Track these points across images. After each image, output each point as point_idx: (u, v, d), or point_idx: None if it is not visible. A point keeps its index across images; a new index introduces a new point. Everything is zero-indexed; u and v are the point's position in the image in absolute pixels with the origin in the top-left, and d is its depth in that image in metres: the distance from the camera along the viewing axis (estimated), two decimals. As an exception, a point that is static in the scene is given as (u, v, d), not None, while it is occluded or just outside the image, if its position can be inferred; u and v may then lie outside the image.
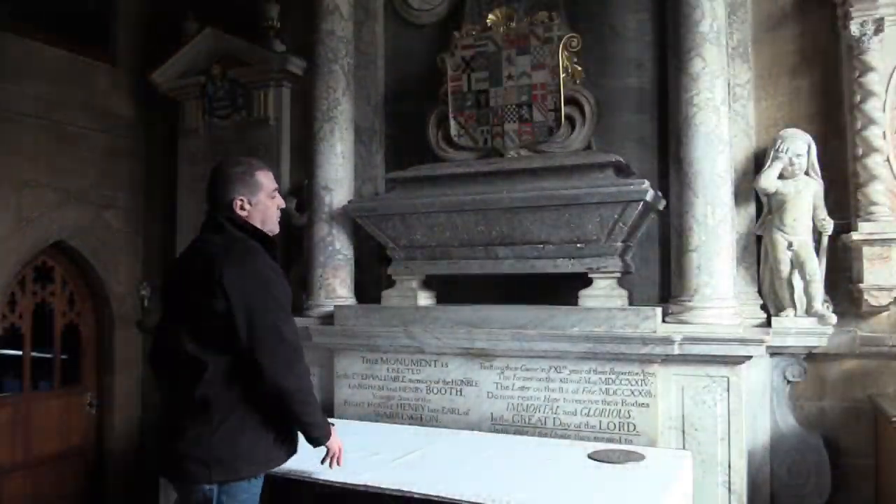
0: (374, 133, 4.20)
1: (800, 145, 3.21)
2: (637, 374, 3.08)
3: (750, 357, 2.98)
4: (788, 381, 3.30)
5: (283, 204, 2.30)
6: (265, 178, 2.23)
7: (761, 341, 2.97)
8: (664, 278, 3.49)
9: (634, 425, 3.07)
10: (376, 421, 3.53)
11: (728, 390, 3.00)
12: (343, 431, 2.41)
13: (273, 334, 2.01)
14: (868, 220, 3.07)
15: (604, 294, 3.30)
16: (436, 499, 2.35)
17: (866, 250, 3.06)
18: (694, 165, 3.19)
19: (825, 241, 3.20)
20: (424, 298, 3.72)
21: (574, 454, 2.84)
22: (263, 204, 2.22)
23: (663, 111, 3.51)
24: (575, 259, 3.34)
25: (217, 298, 1.99)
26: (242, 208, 2.21)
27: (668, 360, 3.05)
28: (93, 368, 4.91)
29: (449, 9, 4.05)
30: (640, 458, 2.75)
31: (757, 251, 3.39)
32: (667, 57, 3.48)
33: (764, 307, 3.34)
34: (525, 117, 3.62)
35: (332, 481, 2.45)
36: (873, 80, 3.08)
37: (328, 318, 3.75)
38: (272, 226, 2.27)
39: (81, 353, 4.86)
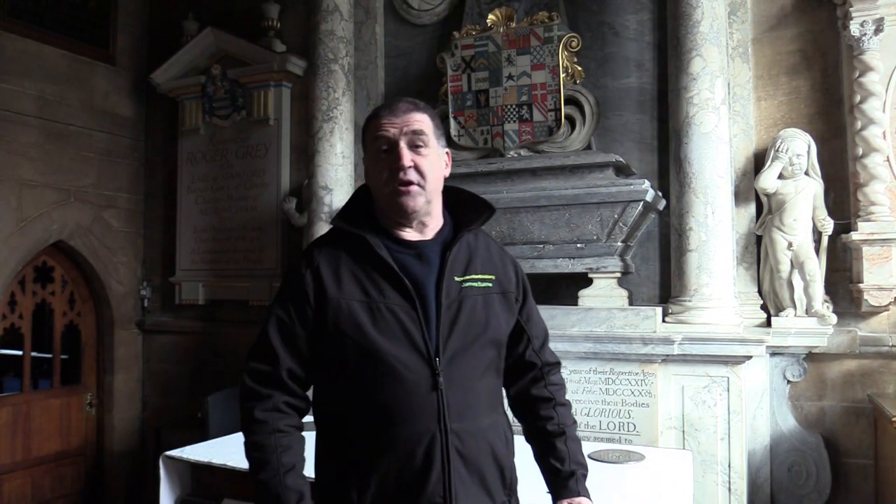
0: (374, 133, 4.19)
1: (800, 145, 3.21)
2: (637, 373, 3.08)
3: (750, 357, 2.98)
4: (788, 381, 3.30)
5: (400, 161, 1.44)
6: (373, 127, 1.49)
7: (761, 341, 2.98)
8: (664, 278, 3.49)
9: (634, 425, 3.07)
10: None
11: (728, 390, 3.00)
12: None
13: None
14: (868, 220, 3.06)
15: (604, 294, 3.30)
16: (436, 499, 2.34)
17: (866, 250, 3.06)
18: (694, 165, 3.19)
19: (825, 241, 3.19)
20: (424, 298, 3.71)
21: (574, 454, 2.84)
22: (369, 165, 1.52)
23: (663, 111, 3.51)
24: (575, 259, 3.34)
25: None
26: (366, 174, 1.57)
27: (668, 359, 3.05)
28: (93, 368, 4.90)
29: (449, 9, 4.05)
30: (640, 458, 2.75)
31: (757, 251, 3.38)
32: (667, 57, 3.48)
33: (764, 307, 3.34)
34: (525, 117, 3.62)
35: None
36: (873, 80, 3.08)
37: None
38: (386, 198, 1.47)
39: (81, 353, 4.85)
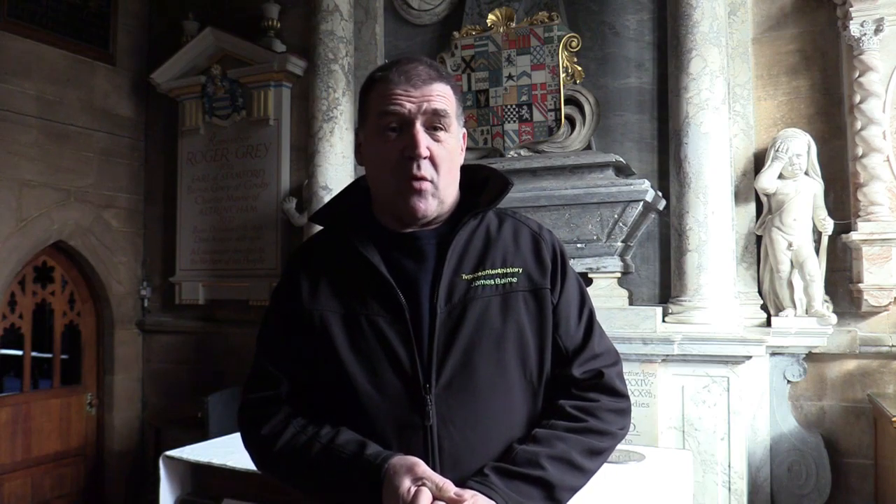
0: (374, 133, 4.20)
1: (799, 145, 3.21)
2: (637, 374, 3.07)
3: (750, 357, 2.98)
4: (788, 381, 3.30)
5: (416, 148, 1.15)
6: (381, 94, 1.17)
7: (761, 341, 2.98)
8: (664, 278, 3.49)
9: (634, 425, 3.07)
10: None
11: (728, 390, 3.00)
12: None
13: None
14: (868, 220, 3.06)
15: (604, 294, 3.30)
16: (436, 499, 2.33)
17: (866, 250, 3.06)
18: (694, 165, 3.19)
19: (825, 241, 3.20)
20: (424, 298, 3.71)
21: (574, 454, 2.84)
22: (370, 143, 1.21)
23: (663, 111, 3.50)
24: (575, 259, 3.34)
25: None
26: (359, 152, 1.28)
27: (668, 359, 3.05)
28: (93, 368, 4.90)
29: (449, 9, 4.05)
30: (641, 458, 2.75)
31: (757, 251, 3.38)
32: (667, 57, 3.48)
33: (764, 307, 3.34)
34: (525, 117, 3.62)
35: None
36: (873, 80, 3.07)
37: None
38: (390, 193, 1.19)
39: (81, 353, 4.85)
